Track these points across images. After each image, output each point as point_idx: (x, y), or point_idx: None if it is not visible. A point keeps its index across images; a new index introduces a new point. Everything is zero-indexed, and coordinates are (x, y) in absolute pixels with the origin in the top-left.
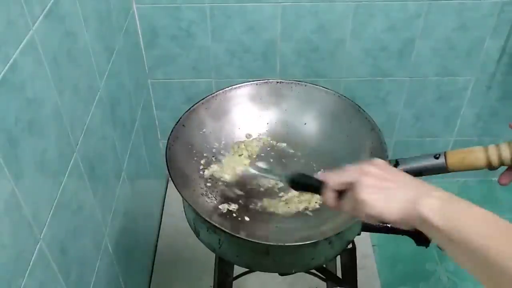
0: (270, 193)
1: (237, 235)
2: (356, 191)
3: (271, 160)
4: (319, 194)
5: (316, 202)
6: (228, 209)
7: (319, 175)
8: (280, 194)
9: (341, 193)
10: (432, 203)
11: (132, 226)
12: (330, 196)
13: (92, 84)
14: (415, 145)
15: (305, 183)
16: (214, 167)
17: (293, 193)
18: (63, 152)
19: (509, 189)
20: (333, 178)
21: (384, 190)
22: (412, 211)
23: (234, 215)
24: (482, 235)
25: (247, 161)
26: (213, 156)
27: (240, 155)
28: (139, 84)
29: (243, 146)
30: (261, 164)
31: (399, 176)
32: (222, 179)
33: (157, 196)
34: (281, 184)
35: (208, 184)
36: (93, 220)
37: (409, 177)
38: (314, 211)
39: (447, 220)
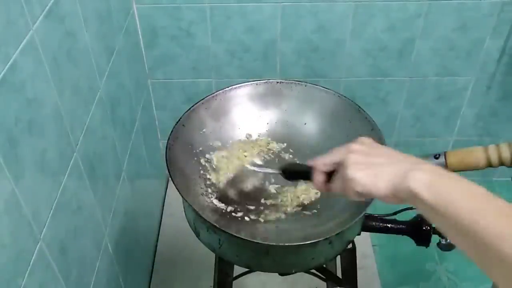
0: (269, 195)
1: (237, 235)
2: (343, 169)
3: (271, 160)
4: (310, 180)
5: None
6: (228, 209)
7: (308, 162)
8: (279, 197)
9: (330, 176)
10: (421, 177)
11: (132, 226)
12: (319, 180)
13: (92, 84)
14: (415, 145)
15: (296, 171)
16: (219, 168)
17: (291, 194)
18: (63, 152)
19: (509, 189)
20: (320, 161)
21: (371, 166)
22: (401, 185)
23: (234, 215)
24: (470, 210)
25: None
26: (213, 157)
27: (245, 156)
28: (139, 84)
29: (251, 146)
30: (256, 161)
31: (386, 151)
32: (228, 182)
33: (157, 196)
34: (277, 185)
35: (209, 184)
36: (93, 220)
37: (396, 152)
38: (314, 211)
39: (436, 194)
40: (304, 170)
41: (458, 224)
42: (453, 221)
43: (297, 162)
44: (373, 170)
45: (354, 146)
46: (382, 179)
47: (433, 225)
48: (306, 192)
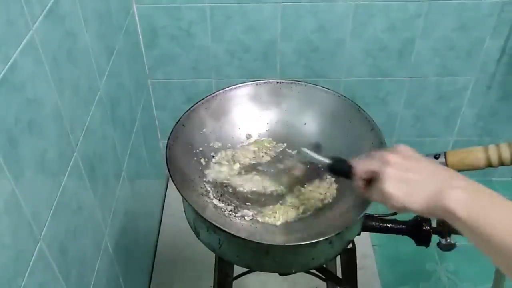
0: (269, 196)
1: (237, 235)
2: (380, 183)
3: (272, 160)
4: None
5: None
6: (228, 209)
7: (351, 161)
8: (279, 198)
9: (369, 181)
10: (458, 195)
11: (132, 226)
12: (358, 184)
13: (92, 84)
14: (415, 145)
15: (339, 169)
16: (219, 168)
17: (291, 195)
18: (63, 152)
19: (509, 190)
20: (359, 166)
21: (407, 182)
22: (437, 203)
23: (234, 215)
24: (508, 231)
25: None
26: (213, 157)
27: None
28: (139, 84)
29: (254, 148)
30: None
31: (423, 164)
32: (228, 182)
33: (157, 196)
34: (279, 190)
35: (209, 184)
36: (93, 220)
37: (433, 165)
38: (314, 211)
39: (473, 214)
40: (346, 169)
41: (496, 244)
42: (492, 242)
43: (344, 159)
44: (409, 186)
45: (391, 157)
46: (418, 196)
47: (433, 225)
48: (305, 192)
